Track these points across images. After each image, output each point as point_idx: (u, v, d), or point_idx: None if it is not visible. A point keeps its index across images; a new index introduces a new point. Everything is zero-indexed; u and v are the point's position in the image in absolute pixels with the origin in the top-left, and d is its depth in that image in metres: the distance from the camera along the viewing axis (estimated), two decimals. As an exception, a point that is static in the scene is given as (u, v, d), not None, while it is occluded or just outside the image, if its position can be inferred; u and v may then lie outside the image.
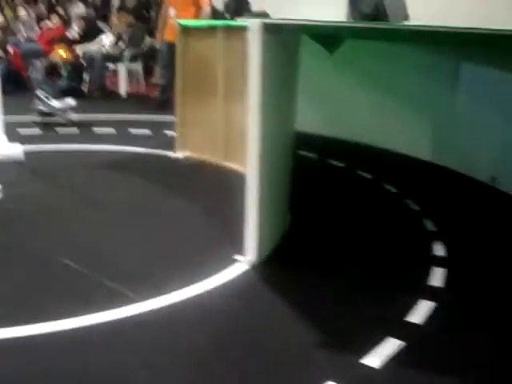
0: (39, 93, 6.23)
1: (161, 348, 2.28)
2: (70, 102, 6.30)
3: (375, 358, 2.21)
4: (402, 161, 5.23)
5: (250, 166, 2.96)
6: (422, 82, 5.19)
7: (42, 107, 6.18)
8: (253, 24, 2.72)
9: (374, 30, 3.04)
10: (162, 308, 2.56)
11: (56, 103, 6.20)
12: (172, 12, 6.84)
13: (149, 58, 8.87)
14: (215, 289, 2.76)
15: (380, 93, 5.56)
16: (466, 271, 3.09)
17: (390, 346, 2.30)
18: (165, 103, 7.36)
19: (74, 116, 6.32)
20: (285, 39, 3.01)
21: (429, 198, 4.24)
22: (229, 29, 4.63)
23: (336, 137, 5.78)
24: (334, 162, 5.14)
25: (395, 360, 2.22)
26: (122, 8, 9.25)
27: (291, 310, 2.60)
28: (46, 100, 6.16)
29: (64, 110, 6.23)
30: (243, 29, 4.44)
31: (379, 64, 5.40)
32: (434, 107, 5.18)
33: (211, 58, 4.81)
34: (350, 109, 5.79)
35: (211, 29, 4.75)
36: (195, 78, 5.05)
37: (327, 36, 3.90)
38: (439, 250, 3.31)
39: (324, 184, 4.60)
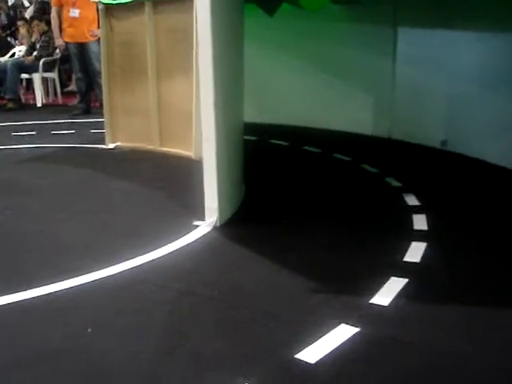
0: None
1: (131, 307, 1.93)
2: None
3: (383, 297, 1.97)
4: (346, 136, 5.01)
5: (205, 121, 2.65)
6: (360, 54, 4.99)
7: None
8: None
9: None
10: (126, 271, 2.20)
11: None
12: (76, 12, 6.56)
13: (64, 65, 8.39)
14: (181, 249, 2.40)
15: (317, 72, 5.34)
16: (441, 213, 2.93)
17: (395, 285, 2.06)
18: (88, 109, 7.00)
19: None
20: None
21: (382, 163, 4.02)
22: (157, 1, 4.29)
23: (276, 123, 5.45)
24: (279, 142, 4.86)
25: (402, 297, 1.99)
26: (34, 17, 8.69)
27: (273, 262, 2.27)
28: None
29: None
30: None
31: (313, 42, 5.19)
32: (374, 78, 5.00)
33: (139, 37, 4.44)
34: (286, 93, 5.51)
35: (137, 4, 4.38)
36: (123, 62, 4.66)
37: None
38: (411, 200, 3.10)
39: (274, 160, 4.32)
